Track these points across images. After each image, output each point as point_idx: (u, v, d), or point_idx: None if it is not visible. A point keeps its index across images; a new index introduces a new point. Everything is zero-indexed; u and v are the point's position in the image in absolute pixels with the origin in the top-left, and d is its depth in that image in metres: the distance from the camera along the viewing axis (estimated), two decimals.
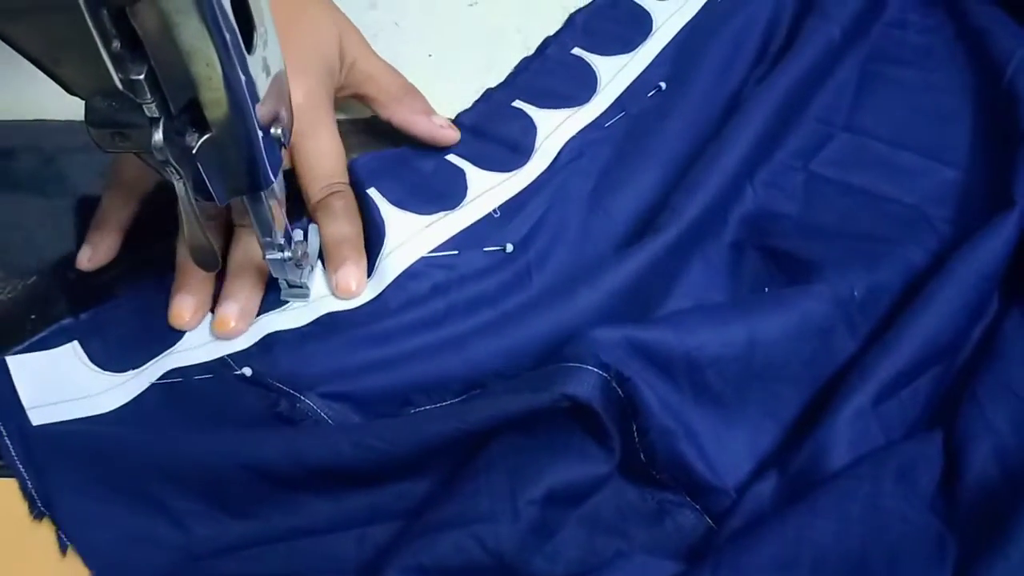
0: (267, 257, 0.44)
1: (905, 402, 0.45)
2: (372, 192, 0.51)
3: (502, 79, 0.62)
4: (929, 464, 0.40)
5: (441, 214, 0.51)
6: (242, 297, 0.47)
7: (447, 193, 0.53)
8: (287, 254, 0.44)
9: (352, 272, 0.48)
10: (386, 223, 0.50)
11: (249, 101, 0.35)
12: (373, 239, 0.50)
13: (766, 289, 0.51)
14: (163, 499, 0.41)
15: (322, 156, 0.51)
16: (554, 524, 0.40)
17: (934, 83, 0.62)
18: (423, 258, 0.49)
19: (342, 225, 0.49)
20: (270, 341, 0.46)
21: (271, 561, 0.40)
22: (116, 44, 0.30)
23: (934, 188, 0.55)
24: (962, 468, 0.40)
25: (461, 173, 0.54)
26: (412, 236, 0.50)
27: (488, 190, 0.53)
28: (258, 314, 0.48)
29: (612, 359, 0.41)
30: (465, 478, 0.40)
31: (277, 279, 0.47)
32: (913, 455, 0.41)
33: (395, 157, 0.54)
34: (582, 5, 0.66)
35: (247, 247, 0.47)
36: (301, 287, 0.48)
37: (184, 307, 0.46)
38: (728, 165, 0.53)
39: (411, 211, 0.51)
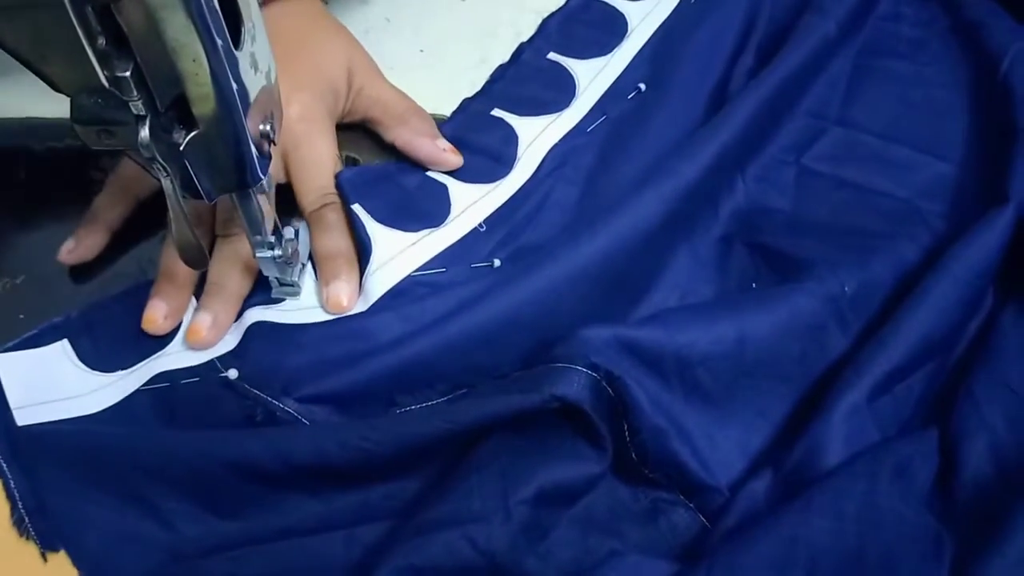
0: (257, 255, 0.44)
1: (899, 398, 0.45)
2: (357, 208, 0.50)
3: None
4: (925, 462, 0.40)
5: (426, 231, 0.50)
6: (217, 310, 0.46)
7: (431, 211, 0.52)
8: (277, 252, 0.44)
9: (343, 288, 0.47)
10: (372, 240, 0.49)
11: (237, 97, 0.35)
12: (359, 256, 0.49)
13: (753, 285, 0.51)
14: (151, 499, 0.41)
15: (317, 166, 0.50)
16: (547, 524, 0.40)
17: (928, 77, 0.61)
18: (410, 276, 0.48)
19: (336, 238, 0.49)
20: (253, 332, 0.46)
21: (259, 561, 0.40)
22: (101, 41, 0.30)
23: (927, 182, 0.55)
24: (958, 465, 0.40)
25: (444, 188, 0.53)
26: (398, 254, 0.49)
27: (472, 204, 0.52)
28: (246, 309, 0.47)
29: (602, 359, 0.41)
30: (456, 478, 0.40)
31: (267, 277, 0.47)
32: (909, 453, 0.40)
33: (378, 173, 0.53)
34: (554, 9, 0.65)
35: (227, 260, 0.47)
36: (292, 285, 0.47)
37: (157, 312, 0.46)
38: (712, 153, 0.53)
39: (396, 228, 0.50)
